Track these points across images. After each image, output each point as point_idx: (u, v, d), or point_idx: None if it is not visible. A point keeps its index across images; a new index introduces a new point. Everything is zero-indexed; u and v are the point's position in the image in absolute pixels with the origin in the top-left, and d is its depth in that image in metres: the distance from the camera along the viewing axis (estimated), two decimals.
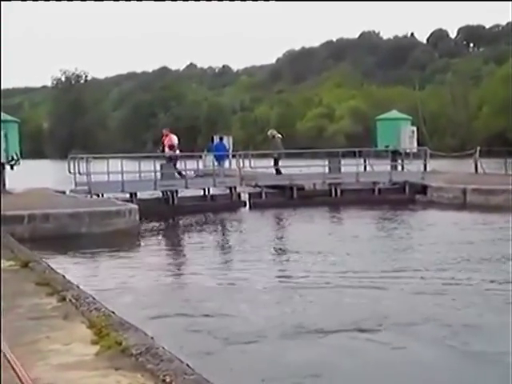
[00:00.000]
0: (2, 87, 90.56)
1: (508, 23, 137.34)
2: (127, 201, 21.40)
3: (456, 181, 25.65)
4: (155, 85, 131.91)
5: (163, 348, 5.92)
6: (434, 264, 12.90)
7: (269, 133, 28.79)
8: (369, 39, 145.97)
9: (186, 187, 24.89)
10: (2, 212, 15.97)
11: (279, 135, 28.29)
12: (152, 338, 6.35)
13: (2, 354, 5.78)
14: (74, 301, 7.71)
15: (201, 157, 32.69)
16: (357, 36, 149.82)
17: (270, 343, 8.20)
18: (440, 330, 8.61)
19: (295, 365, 7.45)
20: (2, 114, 23.78)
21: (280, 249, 15.95)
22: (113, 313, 7.20)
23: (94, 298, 7.86)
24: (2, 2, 30.20)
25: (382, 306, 9.83)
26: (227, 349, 8.08)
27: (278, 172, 27.22)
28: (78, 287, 8.55)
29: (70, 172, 23.41)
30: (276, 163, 27.55)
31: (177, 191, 24.44)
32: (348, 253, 14.50)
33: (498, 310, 9.57)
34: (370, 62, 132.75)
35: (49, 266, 10.25)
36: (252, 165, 27.96)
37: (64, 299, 7.86)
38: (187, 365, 5.29)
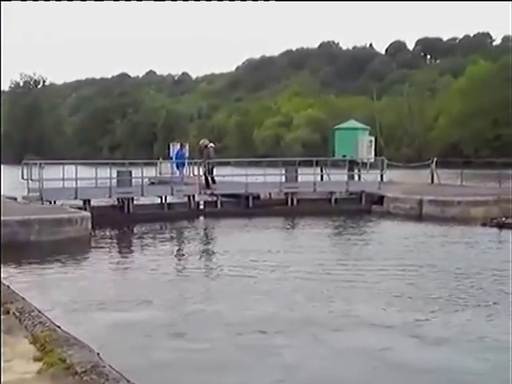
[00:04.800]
0: None
1: (465, 36, 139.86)
2: (80, 208, 20.99)
3: (412, 191, 25.75)
4: (114, 91, 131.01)
5: (110, 366, 5.68)
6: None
7: (201, 142, 28.18)
8: (328, 49, 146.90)
9: (142, 195, 24.53)
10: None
11: (212, 145, 27.79)
12: (98, 354, 6.11)
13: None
14: (17, 314, 7.41)
15: (157, 164, 32.37)
16: (316, 46, 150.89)
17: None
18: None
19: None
20: None
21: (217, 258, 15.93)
22: (58, 327, 6.93)
23: (39, 311, 7.57)
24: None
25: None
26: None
27: (213, 181, 26.60)
28: (23, 299, 8.23)
29: (23, 178, 22.91)
30: (209, 173, 26.82)
31: (133, 199, 24.03)
32: (280, 263, 14.49)
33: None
34: (329, 71, 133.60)
35: None
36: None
37: (8, 312, 7.56)
38: None
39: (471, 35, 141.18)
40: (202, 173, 26.29)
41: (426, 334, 9.03)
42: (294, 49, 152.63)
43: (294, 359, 7.99)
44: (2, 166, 23.58)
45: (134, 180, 24.67)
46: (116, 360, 6.33)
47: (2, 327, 6.74)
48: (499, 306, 10.50)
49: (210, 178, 26.25)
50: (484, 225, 20.61)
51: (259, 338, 8.85)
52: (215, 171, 27.08)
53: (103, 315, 10.02)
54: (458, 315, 9.98)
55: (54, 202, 22.53)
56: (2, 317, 7.18)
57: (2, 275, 10.46)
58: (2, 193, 22.42)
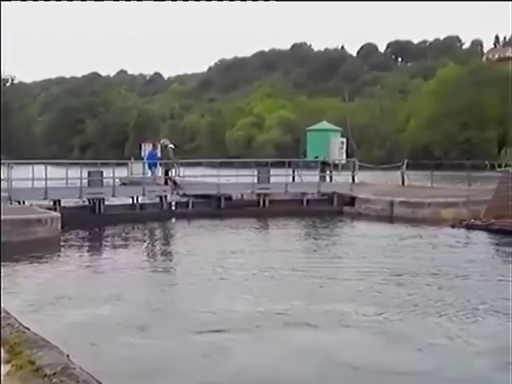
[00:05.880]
0: None
1: (435, 39, 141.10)
2: (50, 209, 20.76)
3: (383, 193, 25.88)
4: (84, 90, 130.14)
5: (80, 368, 5.62)
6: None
7: (161, 142, 28.14)
8: (300, 50, 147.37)
9: (113, 195, 24.33)
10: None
11: (171, 145, 27.68)
12: (68, 356, 6.04)
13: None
14: None
15: (128, 164, 32.19)
16: (288, 47, 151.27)
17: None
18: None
19: None
20: None
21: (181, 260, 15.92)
22: (27, 329, 6.85)
23: (7, 313, 7.48)
24: None
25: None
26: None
27: (174, 182, 26.43)
28: None
29: None
30: (167, 173, 26.69)
31: (103, 199, 23.80)
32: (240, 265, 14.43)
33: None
34: (301, 72, 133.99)
35: None
36: (181, 173, 27.68)
37: None
38: None
39: (441, 38, 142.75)
40: (161, 174, 26.24)
41: (388, 332, 9.18)
42: (266, 50, 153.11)
43: (245, 358, 8.07)
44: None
45: (105, 180, 24.44)
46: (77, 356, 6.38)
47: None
48: (455, 303, 10.73)
49: (168, 180, 26.11)
50: (453, 226, 20.78)
51: (215, 336, 8.94)
52: (174, 172, 26.87)
53: (70, 312, 10.11)
54: (413, 314, 10.13)
55: (23, 203, 22.24)
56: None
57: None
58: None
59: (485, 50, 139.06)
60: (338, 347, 8.56)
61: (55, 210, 21.03)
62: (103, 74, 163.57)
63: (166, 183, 26.02)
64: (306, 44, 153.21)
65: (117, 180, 26.67)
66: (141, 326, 9.40)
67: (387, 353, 8.39)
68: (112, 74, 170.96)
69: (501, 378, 7.43)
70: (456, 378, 7.51)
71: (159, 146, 27.97)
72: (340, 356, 8.12)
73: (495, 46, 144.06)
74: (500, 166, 35.18)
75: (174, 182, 26.20)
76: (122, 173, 29.49)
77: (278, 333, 9.13)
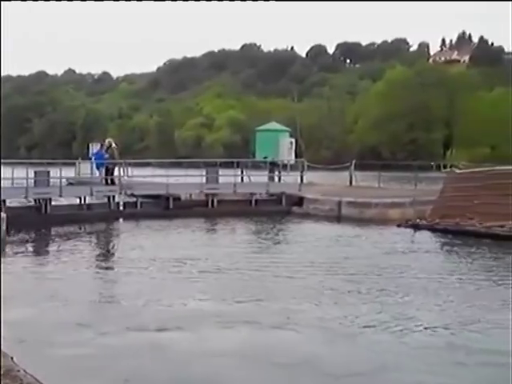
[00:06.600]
0: None
1: (383, 42, 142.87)
2: None
3: (331, 193, 26.09)
4: (31, 89, 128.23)
5: (24, 371, 5.57)
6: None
7: (106, 141, 27.95)
8: (250, 51, 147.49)
9: (61, 195, 24.01)
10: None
11: (115, 145, 27.50)
12: (12, 358, 5.98)
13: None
14: None
15: (76, 164, 31.84)
16: (238, 48, 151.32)
17: None
18: None
19: None
20: None
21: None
22: None
23: None
24: None
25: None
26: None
27: (112, 182, 26.22)
28: None
29: None
30: (107, 173, 26.41)
31: (50, 199, 23.46)
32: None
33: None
34: (251, 73, 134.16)
35: None
36: (129, 173, 27.50)
37: None
38: None
39: (389, 41, 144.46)
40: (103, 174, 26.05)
41: (331, 330, 9.27)
42: (215, 50, 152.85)
43: (180, 356, 8.12)
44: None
45: (51, 180, 24.09)
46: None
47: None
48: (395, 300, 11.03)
49: (109, 180, 25.88)
50: (399, 226, 21.09)
51: (155, 334, 8.97)
52: (117, 172, 26.61)
53: (9, 311, 9.81)
54: (356, 311, 10.26)
55: None
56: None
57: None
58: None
59: (431, 53, 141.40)
60: (277, 345, 8.61)
61: (0, 210, 20.65)
62: (50, 72, 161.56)
63: (106, 183, 25.78)
64: (255, 45, 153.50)
65: (64, 180, 26.32)
66: (81, 325, 9.37)
67: (327, 350, 8.44)
68: (60, 72, 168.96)
69: None
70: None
71: (105, 146, 27.71)
72: (276, 355, 8.16)
73: (441, 49, 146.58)
74: (445, 167, 35.73)
75: (113, 182, 25.87)
76: (69, 173, 29.14)
77: (217, 331, 9.15)
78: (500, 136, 78.67)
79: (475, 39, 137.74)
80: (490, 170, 22.62)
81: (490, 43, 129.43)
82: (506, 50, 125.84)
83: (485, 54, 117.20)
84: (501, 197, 20.05)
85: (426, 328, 9.33)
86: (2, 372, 5.43)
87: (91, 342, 8.57)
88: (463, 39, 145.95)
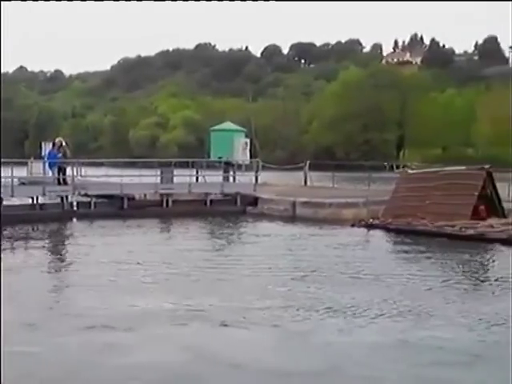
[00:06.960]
0: None
1: (337, 42, 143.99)
2: None
3: (286, 193, 26.22)
4: None
5: None
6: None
7: (57, 140, 27.67)
8: (204, 51, 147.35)
9: (12, 195, 23.68)
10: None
11: (64, 143, 27.22)
12: None
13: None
14: None
15: (28, 163, 31.44)
16: (193, 47, 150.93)
17: None
18: None
19: None
20: None
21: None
22: None
23: None
24: None
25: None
26: None
27: (65, 182, 25.95)
28: None
29: None
30: (61, 172, 26.12)
31: (1, 199, 23.12)
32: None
33: None
34: (206, 72, 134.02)
35: None
36: (83, 173, 27.26)
37: None
38: None
39: (343, 41, 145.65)
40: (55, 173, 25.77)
41: (283, 328, 9.36)
42: (170, 49, 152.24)
43: (127, 355, 8.07)
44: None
45: (2, 180, 23.73)
46: None
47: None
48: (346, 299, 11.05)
49: (62, 179, 25.58)
50: (353, 225, 21.31)
51: (103, 334, 8.94)
52: (69, 171, 26.30)
53: None
54: (309, 310, 10.30)
55: None
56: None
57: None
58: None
59: (384, 54, 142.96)
60: (225, 344, 8.64)
61: None
62: (1, 70, 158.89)
63: (59, 183, 25.48)
64: (210, 44, 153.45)
65: (16, 180, 25.96)
66: (30, 325, 9.28)
67: (277, 350, 8.47)
68: (11, 70, 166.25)
69: None
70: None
71: (56, 145, 27.34)
72: (223, 353, 8.19)
73: (394, 50, 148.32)
74: (398, 168, 36.28)
75: (65, 182, 25.57)
76: (21, 172, 28.75)
77: (166, 331, 9.11)
78: (451, 137, 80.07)
79: (427, 41, 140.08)
80: (441, 170, 22.96)
81: (441, 45, 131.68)
82: (457, 51, 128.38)
83: (436, 56, 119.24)
84: (451, 197, 20.41)
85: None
86: None
87: (41, 341, 8.50)
88: (415, 41, 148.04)
